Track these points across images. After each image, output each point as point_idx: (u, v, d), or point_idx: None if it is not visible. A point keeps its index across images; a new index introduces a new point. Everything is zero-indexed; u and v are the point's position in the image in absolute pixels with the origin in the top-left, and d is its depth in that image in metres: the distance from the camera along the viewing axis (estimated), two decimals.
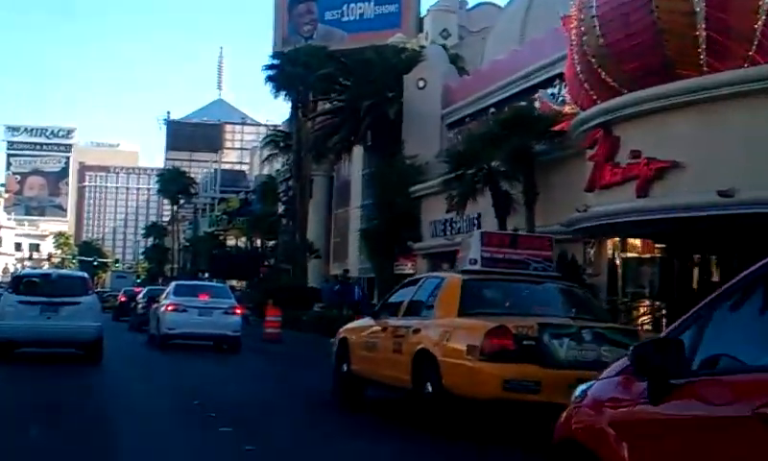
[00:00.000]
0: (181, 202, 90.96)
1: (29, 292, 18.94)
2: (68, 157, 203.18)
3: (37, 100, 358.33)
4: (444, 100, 37.65)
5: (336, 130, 42.15)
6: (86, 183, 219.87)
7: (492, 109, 33.39)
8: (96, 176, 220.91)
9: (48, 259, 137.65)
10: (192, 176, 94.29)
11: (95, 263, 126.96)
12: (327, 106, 46.49)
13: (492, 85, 33.77)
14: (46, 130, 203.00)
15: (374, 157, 40.58)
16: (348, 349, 13.64)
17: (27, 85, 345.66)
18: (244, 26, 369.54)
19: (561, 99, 28.43)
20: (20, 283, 19.79)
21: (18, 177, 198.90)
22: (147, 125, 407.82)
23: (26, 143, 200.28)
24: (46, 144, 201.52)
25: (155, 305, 27.22)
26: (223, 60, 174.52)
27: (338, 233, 61.75)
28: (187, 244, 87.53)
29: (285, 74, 48.15)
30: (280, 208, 63.85)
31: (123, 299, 46.38)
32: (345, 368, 13.54)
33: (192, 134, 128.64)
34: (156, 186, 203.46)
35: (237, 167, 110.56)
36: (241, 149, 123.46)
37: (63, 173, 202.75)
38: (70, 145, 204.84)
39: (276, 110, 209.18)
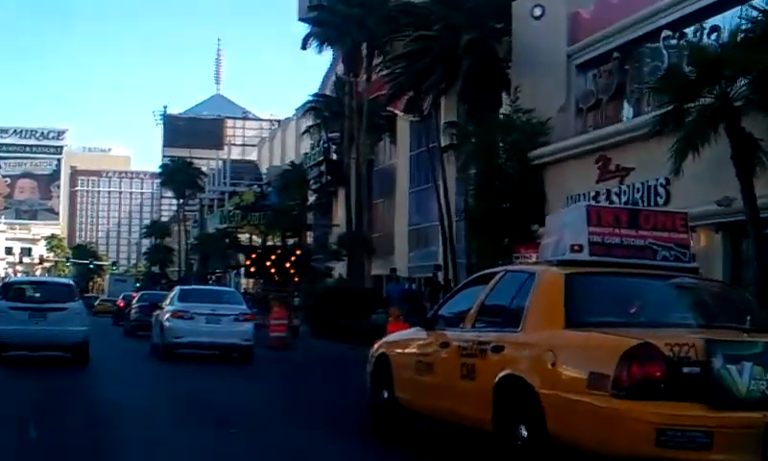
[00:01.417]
0: (187, 195, 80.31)
1: (18, 298, 19.48)
2: (59, 160, 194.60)
3: (26, 105, 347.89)
4: (572, 33, 27.23)
5: (412, 82, 31.64)
6: (78, 188, 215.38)
7: (667, 35, 23.00)
8: (88, 180, 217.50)
9: (40, 263, 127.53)
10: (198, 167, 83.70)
11: (91, 266, 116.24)
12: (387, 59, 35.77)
13: (656, 2, 23.47)
14: (36, 131, 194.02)
15: (471, 114, 30.14)
16: (391, 369, 10.38)
17: (15, 89, 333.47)
18: (242, 18, 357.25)
19: None
20: (10, 290, 20.32)
21: (8, 180, 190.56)
22: (140, 127, 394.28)
23: (16, 145, 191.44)
24: (36, 146, 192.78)
25: (156, 312, 24.76)
26: (221, 53, 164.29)
27: (380, 227, 51.73)
28: (195, 243, 76.99)
29: (335, 17, 37.10)
30: (311, 199, 53.57)
31: (121, 304, 45.01)
32: (385, 395, 10.40)
33: (190, 130, 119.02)
34: (150, 191, 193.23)
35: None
36: (243, 145, 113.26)
37: (55, 176, 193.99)
38: (61, 147, 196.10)
39: (280, 105, 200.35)
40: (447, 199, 41.58)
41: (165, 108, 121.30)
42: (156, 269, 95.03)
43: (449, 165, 42.42)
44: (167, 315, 22.56)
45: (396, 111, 44.68)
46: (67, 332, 18.73)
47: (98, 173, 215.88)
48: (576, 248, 8.77)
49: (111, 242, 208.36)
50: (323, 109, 45.98)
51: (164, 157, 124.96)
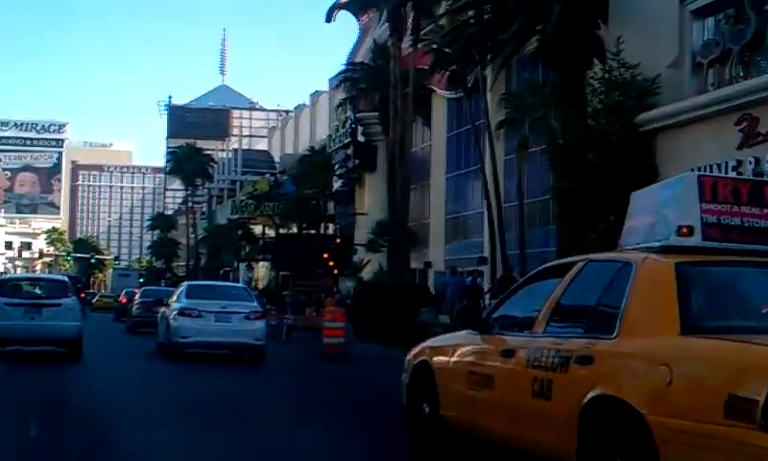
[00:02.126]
0: (197, 184, 75.08)
1: (14, 294, 19.75)
2: (60, 153, 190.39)
3: (28, 101, 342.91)
4: None
5: (464, 46, 26.51)
6: (80, 182, 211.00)
7: None
8: (89, 175, 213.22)
9: (40, 258, 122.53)
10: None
11: (92, 261, 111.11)
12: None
13: None
14: (37, 124, 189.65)
15: (561, 73, 24.91)
16: (435, 381, 8.62)
17: (16, 84, 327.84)
18: (246, 10, 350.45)
19: None
20: (5, 286, 20.80)
21: (8, 173, 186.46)
22: (141, 122, 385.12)
23: (16, 138, 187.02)
24: (37, 139, 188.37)
25: (162, 309, 23.33)
26: (226, 43, 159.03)
27: (413, 216, 46.73)
28: (205, 235, 71.82)
29: None
30: (336, 185, 48.41)
31: (124, 300, 43.93)
32: (427, 410, 8.73)
33: (196, 121, 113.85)
34: (152, 186, 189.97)
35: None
36: (251, 136, 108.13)
37: (56, 169, 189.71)
38: (62, 140, 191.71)
39: (287, 95, 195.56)
40: (497, 182, 36.56)
41: (170, 97, 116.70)
42: (159, 264, 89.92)
43: (498, 144, 37.40)
44: (174, 313, 21.17)
45: (435, 88, 39.65)
46: (61, 327, 19.06)
47: (99, 168, 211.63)
48: (685, 231, 6.92)
49: (113, 237, 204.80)
50: (360, 78, 40.57)
51: (168, 148, 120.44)
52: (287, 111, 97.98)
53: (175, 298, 22.73)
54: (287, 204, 57.57)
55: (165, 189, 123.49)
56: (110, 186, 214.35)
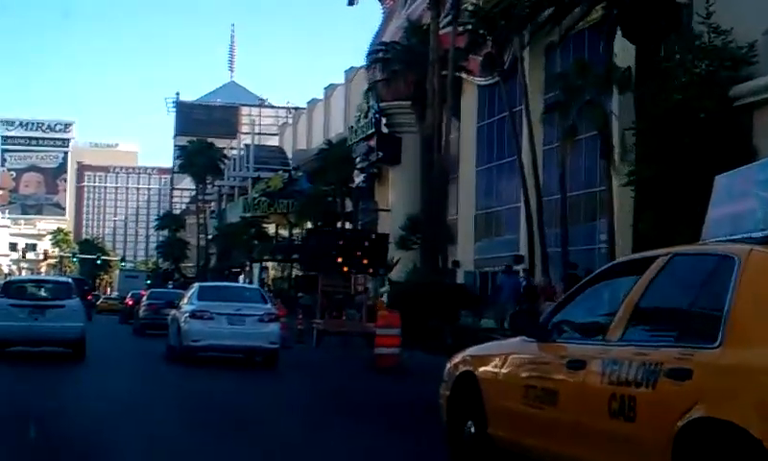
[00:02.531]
0: (207, 181, 71.98)
1: (18, 296, 19.96)
2: (66, 153, 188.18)
3: (33, 101, 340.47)
4: None
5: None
6: (85, 183, 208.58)
7: None
8: (95, 175, 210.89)
9: (45, 259, 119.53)
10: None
11: (98, 262, 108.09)
12: None
13: None
14: (42, 123, 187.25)
15: (632, 42, 21.91)
16: (481, 395, 7.54)
17: (21, 84, 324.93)
18: (255, 3, 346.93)
19: None
20: (10, 288, 20.86)
21: (13, 173, 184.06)
22: (147, 122, 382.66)
23: (21, 138, 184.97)
24: (42, 139, 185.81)
25: (173, 311, 22.27)
26: (235, 39, 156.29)
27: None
28: (215, 234, 68.80)
29: None
30: (357, 179, 45.41)
31: (130, 302, 43.47)
32: (472, 429, 7.62)
33: (204, 118, 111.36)
34: (158, 186, 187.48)
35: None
36: (260, 134, 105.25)
37: (61, 169, 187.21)
38: (68, 140, 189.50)
39: (296, 92, 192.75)
40: (537, 174, 33.53)
41: (177, 94, 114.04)
42: (166, 265, 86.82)
43: (538, 132, 34.37)
44: (185, 315, 20.30)
45: (468, 74, 36.59)
46: (65, 328, 19.29)
47: (105, 168, 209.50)
48: None
49: (119, 238, 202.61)
50: (392, 59, 37.40)
51: (176, 146, 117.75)
52: (297, 108, 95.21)
53: (186, 300, 21.86)
54: (302, 200, 54.60)
55: (172, 188, 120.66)
56: (116, 187, 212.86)
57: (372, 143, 44.59)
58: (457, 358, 8.24)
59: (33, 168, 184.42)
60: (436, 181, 31.65)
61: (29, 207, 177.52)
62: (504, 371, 7.48)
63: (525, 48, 34.42)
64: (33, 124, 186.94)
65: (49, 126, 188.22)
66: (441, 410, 8.16)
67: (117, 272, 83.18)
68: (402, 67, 36.50)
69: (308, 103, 78.04)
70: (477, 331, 23.34)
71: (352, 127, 48.08)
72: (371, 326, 27.35)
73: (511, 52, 35.92)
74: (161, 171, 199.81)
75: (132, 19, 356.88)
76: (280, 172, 64.62)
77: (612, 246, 28.13)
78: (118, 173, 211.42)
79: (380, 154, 44.10)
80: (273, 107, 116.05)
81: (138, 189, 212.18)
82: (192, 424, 11.19)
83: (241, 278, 68.34)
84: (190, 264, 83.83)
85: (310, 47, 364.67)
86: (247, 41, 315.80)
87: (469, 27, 34.19)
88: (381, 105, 43.74)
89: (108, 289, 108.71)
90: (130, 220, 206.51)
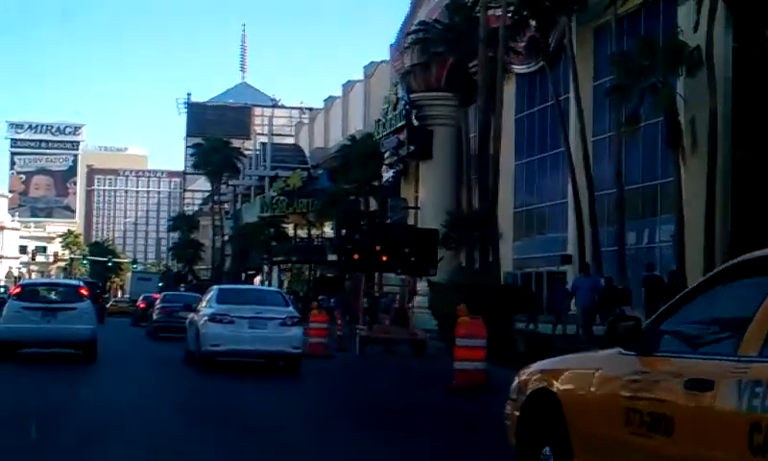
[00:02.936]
0: (223, 180, 69.19)
1: (31, 299, 20.37)
2: (76, 156, 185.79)
3: (42, 106, 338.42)
4: None
5: None
6: (95, 187, 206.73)
7: None
8: (105, 179, 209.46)
9: (54, 261, 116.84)
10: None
11: (109, 264, 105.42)
12: None
13: None
14: (52, 126, 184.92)
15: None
16: (563, 417, 6.33)
17: (29, 87, 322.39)
18: (266, 7, 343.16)
19: None
20: (23, 291, 21.44)
21: (23, 176, 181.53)
22: (156, 126, 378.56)
23: (31, 140, 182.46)
24: (52, 141, 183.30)
25: (191, 315, 21.43)
26: (246, 40, 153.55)
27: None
28: (232, 235, 66.04)
29: None
30: (386, 175, 42.63)
31: (142, 305, 42.80)
32: (550, 457, 6.51)
33: (216, 118, 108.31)
34: (168, 190, 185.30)
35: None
36: (274, 134, 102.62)
37: (71, 172, 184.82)
38: (78, 142, 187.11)
39: (308, 94, 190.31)
40: (588, 166, 30.79)
41: (189, 95, 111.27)
42: (179, 267, 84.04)
43: (588, 122, 31.62)
44: (204, 319, 19.31)
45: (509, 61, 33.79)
46: (76, 330, 19.51)
47: (114, 172, 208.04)
48: None
49: (128, 241, 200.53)
50: (434, 39, 34.36)
51: (188, 147, 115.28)
52: (311, 109, 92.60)
53: (205, 303, 20.76)
54: (324, 199, 51.87)
55: (184, 190, 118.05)
56: (126, 191, 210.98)
57: (402, 136, 41.78)
58: (529, 372, 7.03)
59: (42, 171, 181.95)
60: (492, 172, 28.74)
61: (39, 210, 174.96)
62: (596, 389, 6.20)
63: (572, 31, 31.77)
64: (42, 126, 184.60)
65: (59, 128, 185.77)
66: (507, 432, 7.07)
67: (129, 274, 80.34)
68: (444, 48, 33.59)
69: (325, 101, 75.35)
70: (552, 339, 20.56)
71: (380, 120, 45.21)
72: (420, 332, 24.66)
73: (556, 36, 33.25)
74: (171, 174, 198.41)
75: (139, 22, 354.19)
76: (298, 170, 61.92)
77: (680, 243, 25.42)
78: (128, 176, 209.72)
79: (411, 147, 41.30)
80: (286, 107, 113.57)
81: (148, 192, 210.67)
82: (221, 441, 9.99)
83: (257, 280, 65.71)
84: (204, 267, 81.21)
85: (321, 48, 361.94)
86: (258, 43, 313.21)
87: (511, 9, 31.51)
88: (411, 96, 40.94)
89: (120, 292, 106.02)
90: (140, 223, 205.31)
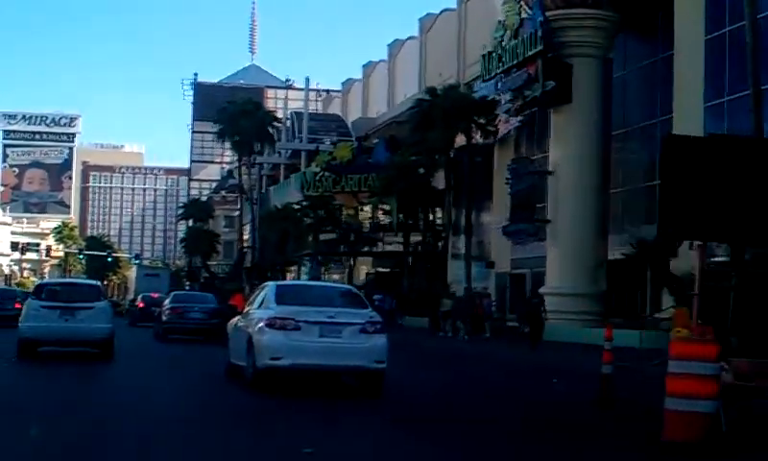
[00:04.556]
0: (256, 150, 56.32)
1: (50, 298, 20.35)
2: (71, 148, 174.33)
3: (36, 100, 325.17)
4: None
5: None
6: (90, 184, 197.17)
7: None
8: (101, 176, 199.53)
9: (47, 255, 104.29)
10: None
11: (109, 259, 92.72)
12: None
13: None
14: (46, 117, 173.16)
15: None
16: None
17: (24, 82, 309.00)
18: None
19: None
20: (42, 291, 21.42)
21: (16, 170, 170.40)
22: (153, 123, 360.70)
23: (24, 132, 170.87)
24: (47, 133, 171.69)
25: (237, 319, 17.25)
26: (255, 18, 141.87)
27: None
28: (263, 219, 53.36)
29: None
30: (505, 128, 30.26)
31: (141, 305, 41.04)
32: None
33: (226, 101, 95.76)
34: (164, 187, 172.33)
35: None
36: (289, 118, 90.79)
37: (66, 166, 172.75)
38: (73, 135, 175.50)
39: (321, 76, 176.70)
40: None
41: (196, 75, 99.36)
42: (190, 260, 71.50)
43: None
44: (260, 324, 14.42)
45: None
46: (94, 329, 19.52)
47: (110, 169, 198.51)
48: None
49: (124, 239, 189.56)
50: None
51: (194, 132, 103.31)
52: (328, 91, 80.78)
53: (258, 303, 15.77)
54: (388, 173, 39.62)
55: (190, 179, 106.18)
56: (122, 188, 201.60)
57: (532, 70, 29.30)
58: None
59: (36, 164, 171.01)
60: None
61: (32, 205, 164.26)
62: None
63: None
64: (36, 118, 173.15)
65: (53, 120, 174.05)
66: None
67: (133, 270, 67.70)
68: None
69: (364, 66, 63.09)
70: None
71: (490, 52, 32.38)
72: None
73: None
74: (168, 171, 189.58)
75: (141, 16, 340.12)
76: (345, 142, 49.55)
77: None
78: (124, 173, 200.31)
79: (549, 84, 28.63)
80: (299, 88, 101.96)
81: (144, 190, 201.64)
82: None
83: (289, 277, 53.46)
84: (216, 262, 69.01)
85: (330, 31, 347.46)
86: (267, 25, 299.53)
87: None
88: (548, 13, 28.59)
89: (117, 291, 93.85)
90: (135, 221, 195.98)
